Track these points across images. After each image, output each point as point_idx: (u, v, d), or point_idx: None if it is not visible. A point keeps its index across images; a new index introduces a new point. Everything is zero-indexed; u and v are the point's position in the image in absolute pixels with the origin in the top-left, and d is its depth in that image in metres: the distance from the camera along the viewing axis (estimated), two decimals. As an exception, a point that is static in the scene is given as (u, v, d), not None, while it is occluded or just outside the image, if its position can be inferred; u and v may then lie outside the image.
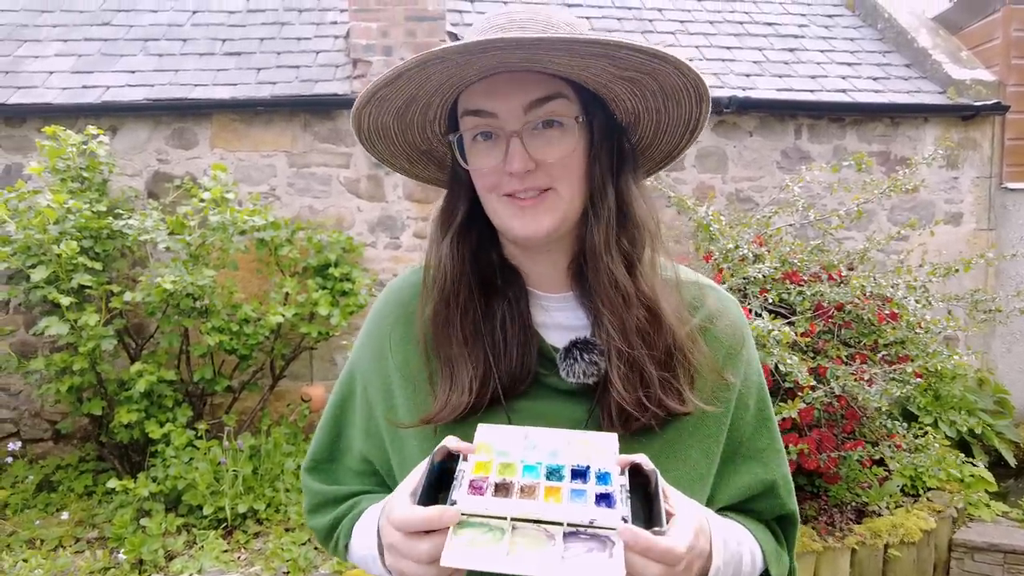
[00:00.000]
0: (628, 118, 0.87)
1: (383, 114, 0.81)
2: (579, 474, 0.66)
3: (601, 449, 0.69)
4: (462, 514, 0.61)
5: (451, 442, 0.69)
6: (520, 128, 0.77)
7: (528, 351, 0.83)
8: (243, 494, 3.44)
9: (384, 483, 0.94)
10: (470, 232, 0.86)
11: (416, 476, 0.69)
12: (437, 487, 0.68)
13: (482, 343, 0.83)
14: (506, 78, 0.77)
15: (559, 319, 0.87)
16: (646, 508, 0.67)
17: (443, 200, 0.89)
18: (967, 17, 5.22)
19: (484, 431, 0.71)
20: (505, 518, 0.61)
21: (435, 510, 0.62)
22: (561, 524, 0.60)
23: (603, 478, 0.65)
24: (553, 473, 0.66)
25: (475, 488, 0.64)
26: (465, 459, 0.68)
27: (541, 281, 0.88)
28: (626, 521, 0.60)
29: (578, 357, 0.81)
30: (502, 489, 0.64)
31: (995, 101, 4.65)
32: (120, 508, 3.45)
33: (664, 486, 0.68)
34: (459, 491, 0.64)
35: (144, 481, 3.40)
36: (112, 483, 3.40)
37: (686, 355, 0.82)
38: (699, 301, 0.90)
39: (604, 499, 0.63)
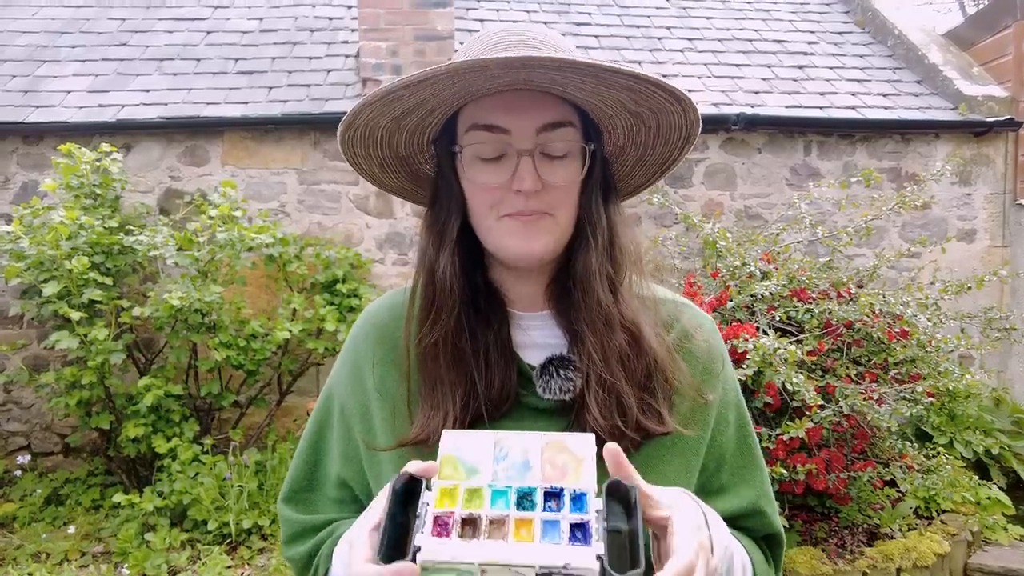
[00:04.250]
0: (615, 151, 0.89)
1: (382, 114, 0.80)
2: (552, 496, 0.63)
3: (578, 457, 0.65)
4: (426, 563, 0.58)
5: (412, 466, 0.66)
6: (532, 148, 0.77)
7: (509, 373, 0.82)
8: (248, 510, 3.44)
9: (364, 508, 0.91)
10: (461, 248, 0.84)
11: (377, 507, 0.66)
12: (406, 514, 0.64)
13: (467, 365, 0.82)
14: (524, 96, 0.77)
15: (536, 338, 0.86)
16: (630, 520, 0.63)
17: (430, 213, 0.87)
18: (978, 33, 5.20)
19: (449, 439, 0.68)
20: (473, 563, 0.58)
21: (391, 570, 0.58)
22: (533, 567, 0.57)
23: (578, 501, 0.62)
24: (524, 498, 0.62)
25: (440, 526, 0.61)
26: (429, 486, 0.64)
27: (520, 301, 0.88)
28: (600, 559, 0.57)
29: (554, 373, 0.81)
30: (469, 524, 0.61)
31: (1008, 117, 4.60)
32: (126, 522, 3.46)
33: (649, 492, 0.65)
34: (423, 532, 0.60)
35: (150, 496, 3.41)
36: (118, 497, 3.41)
37: (666, 375, 0.82)
38: (674, 319, 0.89)
39: (579, 529, 0.60)
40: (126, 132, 4.25)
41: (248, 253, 3.72)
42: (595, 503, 0.61)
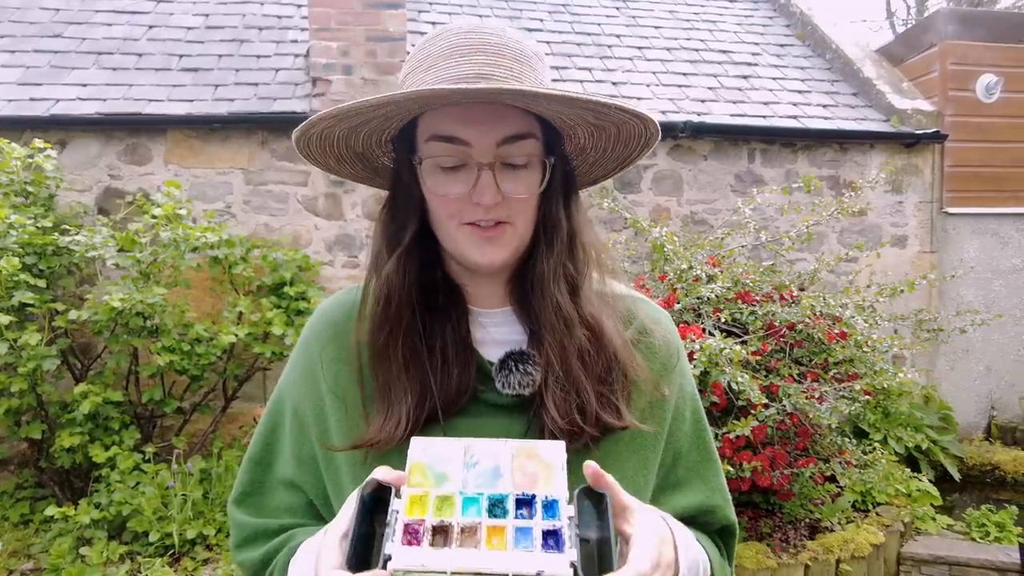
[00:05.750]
0: (575, 150, 0.89)
1: (338, 125, 0.79)
2: (524, 503, 0.62)
3: (548, 464, 0.65)
4: (397, 571, 0.57)
5: (380, 473, 0.65)
6: (493, 161, 0.76)
7: (467, 370, 0.82)
8: (192, 519, 3.33)
9: (317, 514, 0.89)
10: (417, 250, 0.84)
11: (346, 515, 0.65)
12: (371, 523, 0.63)
13: (421, 365, 0.81)
14: (485, 108, 0.76)
15: (495, 335, 0.86)
16: (601, 526, 0.63)
17: (386, 213, 0.86)
18: (907, 51, 5.48)
19: (419, 446, 0.67)
20: (445, 571, 0.57)
21: None
22: (506, 575, 0.57)
23: (550, 508, 0.62)
24: (496, 505, 0.62)
25: (411, 534, 0.60)
26: (398, 494, 0.63)
27: (480, 298, 0.87)
28: (574, 567, 0.57)
29: (513, 368, 0.81)
30: (440, 533, 0.60)
31: (935, 130, 4.87)
32: (59, 537, 3.29)
33: (627, 503, 0.65)
34: (393, 541, 0.59)
35: (86, 508, 3.26)
36: (51, 510, 3.25)
37: (625, 370, 0.83)
38: (631, 314, 0.90)
39: (552, 537, 0.60)
40: (61, 127, 4.06)
41: (193, 254, 3.61)
42: (567, 510, 0.62)
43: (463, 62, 0.76)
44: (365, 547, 0.62)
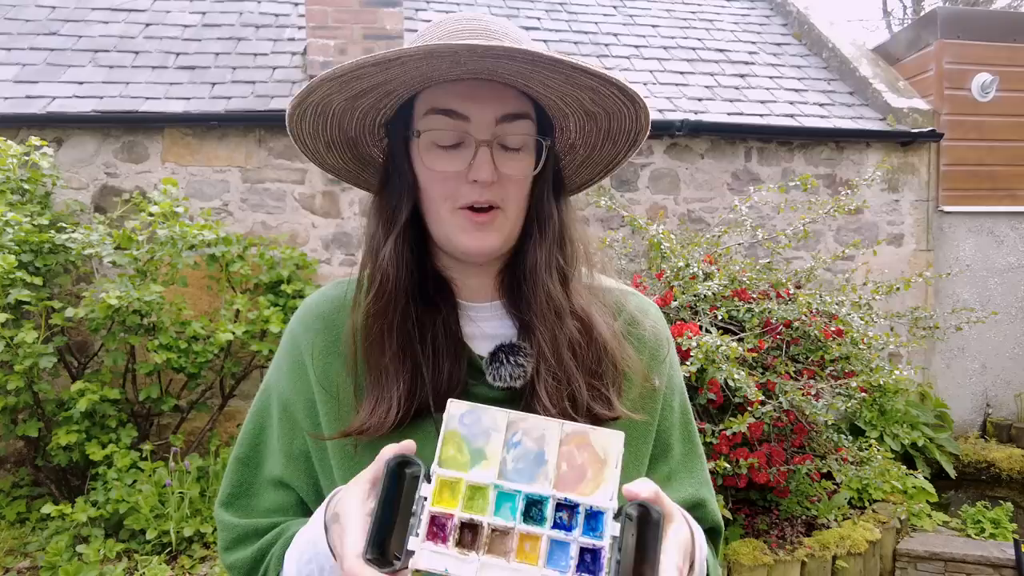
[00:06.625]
0: (564, 148, 0.89)
1: (339, 92, 0.76)
2: (565, 508, 0.56)
3: (601, 458, 0.57)
4: (418, 572, 0.54)
5: (390, 450, 0.61)
6: (491, 138, 0.77)
7: (458, 364, 0.81)
8: (189, 517, 3.32)
9: (308, 512, 0.85)
10: (410, 236, 0.83)
11: (364, 477, 0.63)
12: (395, 495, 0.58)
13: (415, 353, 0.80)
14: (485, 85, 0.77)
15: (486, 329, 0.86)
16: (646, 552, 0.56)
17: (378, 198, 0.85)
18: (903, 50, 5.50)
19: (456, 413, 0.59)
20: None
21: None
22: None
23: (593, 521, 0.55)
24: (534, 506, 0.56)
25: (438, 527, 0.55)
26: (428, 477, 0.58)
27: (469, 292, 0.87)
28: None
29: (504, 360, 0.81)
30: (469, 531, 0.55)
31: (930, 129, 4.88)
32: (55, 535, 3.29)
33: (669, 511, 0.59)
34: (418, 535, 0.55)
35: (83, 506, 3.26)
36: (47, 508, 3.25)
37: (615, 361, 0.83)
38: (620, 307, 0.91)
39: (590, 555, 0.54)
40: (57, 125, 4.05)
41: (190, 252, 3.60)
42: (612, 527, 0.55)
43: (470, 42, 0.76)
44: (390, 523, 0.57)
